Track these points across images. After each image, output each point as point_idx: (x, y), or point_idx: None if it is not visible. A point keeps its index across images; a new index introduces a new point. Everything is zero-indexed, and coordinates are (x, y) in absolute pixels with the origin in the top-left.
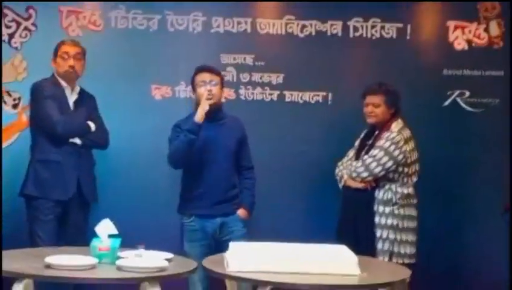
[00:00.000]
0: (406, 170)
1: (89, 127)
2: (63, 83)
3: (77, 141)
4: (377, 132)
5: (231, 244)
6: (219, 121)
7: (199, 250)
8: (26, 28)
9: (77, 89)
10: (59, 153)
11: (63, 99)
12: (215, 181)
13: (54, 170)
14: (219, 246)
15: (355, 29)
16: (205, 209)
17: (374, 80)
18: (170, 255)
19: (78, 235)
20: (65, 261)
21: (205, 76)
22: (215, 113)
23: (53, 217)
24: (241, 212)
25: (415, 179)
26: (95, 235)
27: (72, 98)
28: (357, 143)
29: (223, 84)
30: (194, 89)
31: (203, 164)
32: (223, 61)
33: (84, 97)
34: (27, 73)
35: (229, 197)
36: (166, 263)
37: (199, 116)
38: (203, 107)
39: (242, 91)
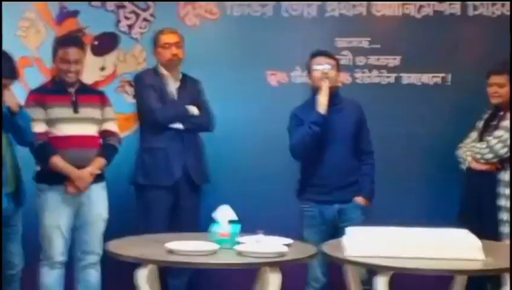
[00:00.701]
0: None
1: (188, 111)
2: (165, 72)
3: (179, 126)
4: (501, 113)
5: (348, 229)
6: (336, 105)
7: (318, 236)
8: (145, 19)
9: (179, 76)
10: (162, 139)
11: (164, 87)
12: (334, 167)
13: (159, 157)
14: (337, 233)
15: (475, 7)
16: (323, 195)
17: (494, 60)
18: (290, 241)
19: (190, 219)
20: (186, 246)
21: (321, 60)
22: (332, 97)
23: (163, 204)
24: (359, 199)
25: None
26: (210, 220)
27: (174, 85)
28: (480, 124)
29: (339, 67)
30: (309, 74)
31: (321, 149)
32: (338, 45)
33: (187, 83)
34: (146, 63)
35: (348, 183)
36: (285, 248)
37: (323, 106)
38: (325, 96)
39: (358, 75)
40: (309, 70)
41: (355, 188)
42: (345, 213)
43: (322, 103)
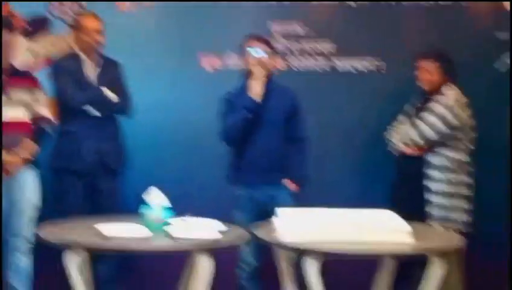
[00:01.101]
0: (460, 135)
1: (105, 95)
2: (84, 57)
3: (94, 111)
4: (430, 98)
5: (279, 210)
6: (270, 91)
7: (249, 219)
8: (77, 3)
9: (98, 59)
10: (76, 123)
11: (82, 72)
12: (265, 151)
13: (71, 141)
14: (268, 216)
15: None
16: (254, 177)
17: (426, 47)
18: (221, 225)
19: (108, 204)
20: (119, 232)
21: (256, 44)
22: (266, 83)
23: (76, 188)
24: (290, 184)
25: (471, 146)
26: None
27: (94, 70)
28: (408, 109)
29: (274, 53)
30: (244, 58)
31: (253, 134)
32: (272, 29)
33: (107, 67)
34: None
35: (279, 168)
36: (219, 233)
37: (256, 92)
38: (258, 82)
39: (292, 60)
40: (244, 54)
41: (287, 172)
42: (275, 197)
43: (256, 89)
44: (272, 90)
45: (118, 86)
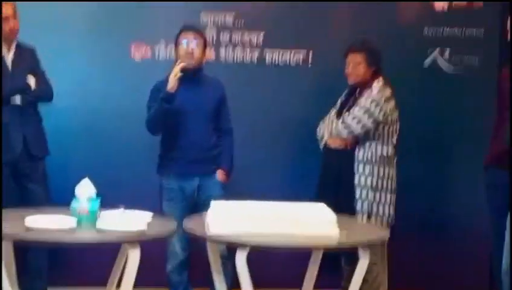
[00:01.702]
0: (386, 129)
1: (28, 84)
2: None
3: (17, 102)
4: (358, 91)
5: (213, 202)
6: (198, 82)
7: (177, 210)
8: None
9: (13, 46)
10: (1, 114)
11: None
12: (194, 141)
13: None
14: (197, 207)
15: None
16: (183, 168)
17: (355, 39)
18: (150, 216)
19: (39, 187)
20: (44, 223)
21: (188, 35)
22: (194, 74)
23: (5, 179)
24: (219, 173)
25: (395, 139)
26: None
27: (9, 57)
28: (338, 102)
29: (205, 45)
30: (176, 48)
31: (181, 124)
32: (204, 20)
33: (22, 53)
34: None
35: (208, 158)
36: (145, 225)
37: (171, 84)
38: (175, 75)
39: (222, 51)
40: (176, 44)
41: (215, 163)
42: (204, 188)
43: (171, 81)
44: (201, 82)
45: (36, 73)
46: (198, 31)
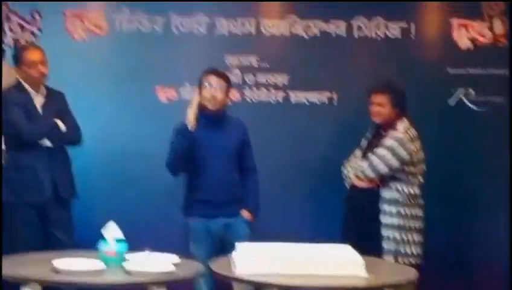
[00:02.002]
0: (412, 169)
1: (58, 127)
2: (28, 87)
3: (48, 143)
4: (383, 131)
5: (238, 244)
6: (221, 124)
7: (204, 250)
8: (31, 33)
9: (43, 90)
10: (30, 156)
11: (30, 104)
12: (219, 182)
13: (27, 174)
14: (224, 247)
15: (359, 29)
16: (209, 209)
17: (378, 80)
18: (176, 258)
19: (64, 235)
20: (73, 266)
21: (211, 79)
22: (218, 116)
23: (32, 221)
24: (245, 213)
25: (421, 178)
26: (99, 237)
27: (39, 100)
28: (363, 142)
29: (229, 87)
30: (199, 90)
31: (206, 165)
32: (228, 62)
33: (52, 97)
34: None
35: (233, 198)
36: (173, 267)
37: (189, 123)
38: (189, 115)
39: (247, 92)
40: (199, 86)
41: (240, 202)
42: (230, 227)
43: (189, 116)
44: (224, 123)
45: (65, 116)
46: (222, 73)
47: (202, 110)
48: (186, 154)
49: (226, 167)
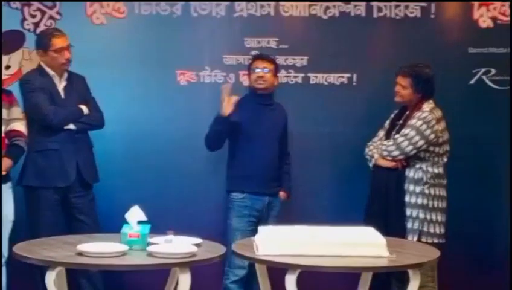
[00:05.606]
0: (437, 149)
1: (81, 111)
2: (50, 72)
3: (71, 126)
4: (408, 112)
5: (260, 228)
6: (270, 106)
7: (246, 225)
8: (51, 17)
9: (65, 74)
10: (55, 141)
11: (53, 88)
12: (266, 161)
13: (53, 158)
14: (262, 223)
15: (379, 9)
16: (257, 187)
17: (398, 60)
18: (199, 241)
19: (89, 218)
20: (96, 248)
21: (258, 63)
22: (267, 98)
23: (56, 205)
24: (282, 194)
25: (445, 159)
26: (123, 221)
27: (61, 85)
28: (387, 123)
29: (276, 71)
30: (248, 75)
31: (254, 144)
32: (247, 45)
33: (74, 81)
34: None
35: (276, 178)
36: (195, 248)
37: (222, 108)
38: (225, 102)
39: None
40: (248, 71)
41: (279, 183)
42: (271, 206)
43: (223, 105)
44: (272, 106)
45: (88, 100)
46: (268, 57)
47: (253, 92)
48: (222, 136)
49: (271, 146)
